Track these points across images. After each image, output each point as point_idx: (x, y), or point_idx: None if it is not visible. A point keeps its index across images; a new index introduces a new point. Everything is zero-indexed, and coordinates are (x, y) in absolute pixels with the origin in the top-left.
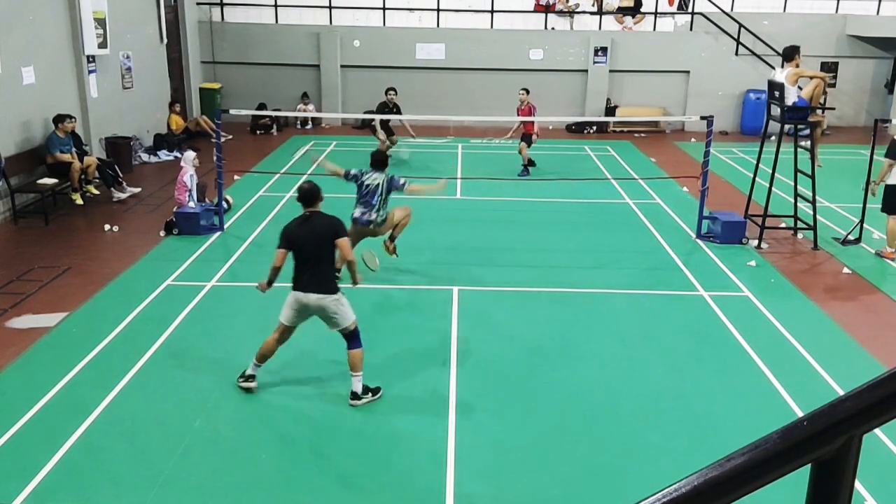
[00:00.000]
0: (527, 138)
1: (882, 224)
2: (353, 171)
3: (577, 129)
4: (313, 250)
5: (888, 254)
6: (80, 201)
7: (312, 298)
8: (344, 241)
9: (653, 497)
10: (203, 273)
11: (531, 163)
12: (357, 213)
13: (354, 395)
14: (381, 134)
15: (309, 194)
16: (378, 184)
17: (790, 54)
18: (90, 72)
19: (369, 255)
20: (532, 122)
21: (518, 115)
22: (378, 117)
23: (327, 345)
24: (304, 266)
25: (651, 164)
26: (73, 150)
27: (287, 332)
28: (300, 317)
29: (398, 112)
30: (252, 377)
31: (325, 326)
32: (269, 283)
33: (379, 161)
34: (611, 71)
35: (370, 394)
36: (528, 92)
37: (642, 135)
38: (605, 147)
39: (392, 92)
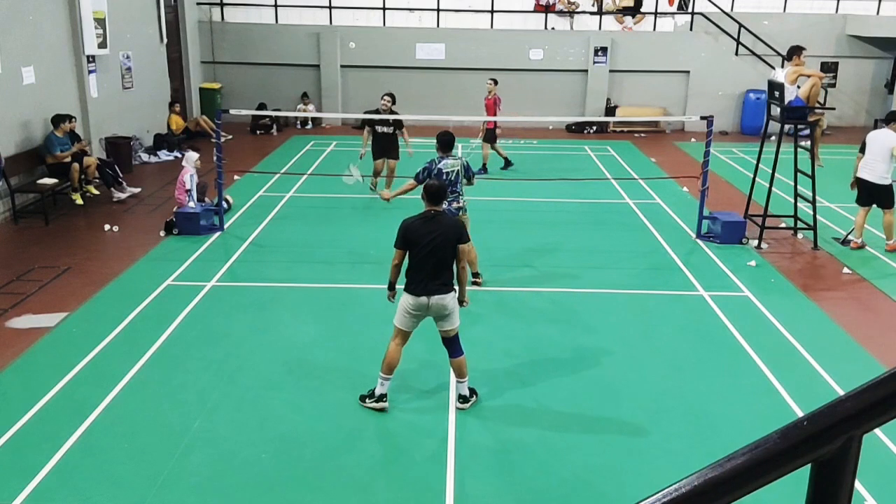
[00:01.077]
0: (491, 134)
1: (880, 223)
2: (422, 171)
3: (577, 129)
4: (440, 250)
5: (892, 246)
6: (80, 201)
7: (434, 300)
8: (466, 248)
9: (653, 497)
10: (203, 273)
11: (508, 162)
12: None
13: (464, 399)
14: (363, 149)
15: (440, 191)
16: (457, 170)
17: (791, 54)
18: (90, 72)
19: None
20: (493, 118)
21: (484, 105)
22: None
23: (326, 345)
24: (426, 266)
25: (651, 164)
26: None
27: (407, 337)
28: (418, 320)
29: (397, 123)
30: (384, 396)
31: (323, 329)
32: (393, 285)
33: (447, 143)
34: (611, 71)
35: (475, 396)
36: (496, 83)
37: (642, 135)
38: (605, 147)
39: (387, 98)
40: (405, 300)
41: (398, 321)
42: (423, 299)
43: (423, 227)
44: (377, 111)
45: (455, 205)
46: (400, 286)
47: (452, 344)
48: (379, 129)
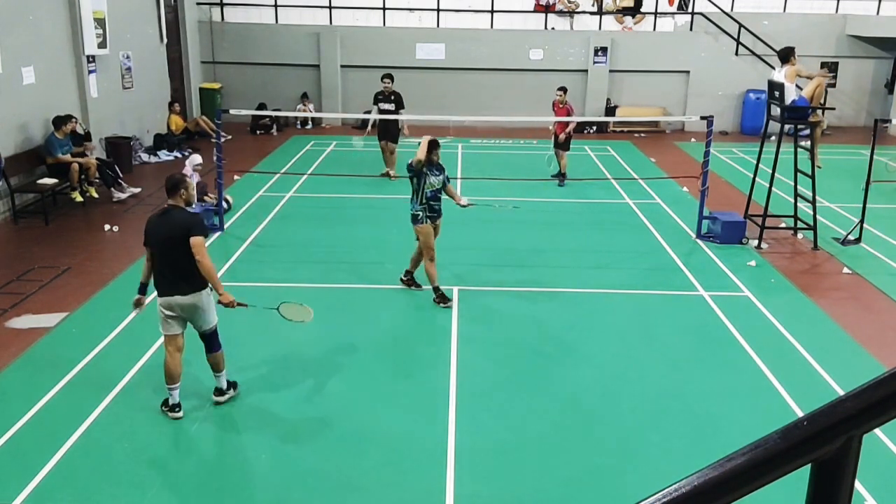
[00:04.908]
0: (556, 140)
1: (884, 224)
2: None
3: (577, 129)
4: (172, 246)
5: None
6: (79, 199)
7: (179, 299)
8: (199, 241)
9: (653, 497)
10: None
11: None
12: None
13: (219, 392)
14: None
15: (169, 183)
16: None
17: (786, 55)
18: (90, 72)
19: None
20: (562, 124)
21: (554, 111)
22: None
23: (325, 346)
24: (164, 263)
25: (651, 164)
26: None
27: (177, 342)
28: (178, 322)
29: (398, 104)
30: (177, 406)
31: (322, 330)
32: (143, 287)
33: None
34: (611, 71)
35: (231, 389)
36: (565, 91)
37: (642, 135)
38: (605, 147)
39: (388, 80)
40: (158, 303)
41: (161, 327)
42: (169, 299)
43: (156, 221)
44: (381, 92)
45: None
46: None
47: (210, 341)
48: (382, 106)
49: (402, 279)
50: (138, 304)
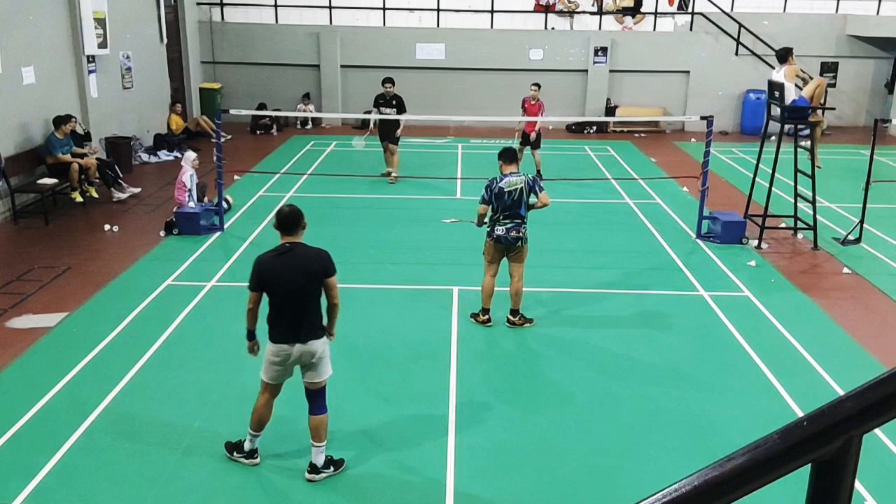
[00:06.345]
0: (528, 139)
1: (884, 224)
2: (485, 191)
3: (577, 129)
4: (303, 288)
5: None
6: (79, 199)
7: (300, 347)
8: (335, 282)
9: (653, 497)
10: (203, 273)
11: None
12: (501, 230)
13: (314, 469)
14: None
15: (290, 218)
16: (520, 188)
17: (784, 55)
18: (90, 72)
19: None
20: (533, 123)
21: (524, 108)
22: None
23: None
24: (287, 308)
25: (651, 164)
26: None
27: (277, 391)
28: (287, 370)
29: (400, 108)
30: (254, 452)
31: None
32: (252, 334)
33: (510, 155)
34: (611, 71)
35: (332, 467)
36: (539, 87)
37: (642, 135)
38: (605, 147)
39: (389, 84)
40: (268, 349)
41: (265, 374)
42: (287, 347)
43: (279, 263)
44: (382, 95)
45: (513, 233)
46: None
47: (316, 398)
48: (383, 111)
49: (512, 321)
50: (255, 349)
